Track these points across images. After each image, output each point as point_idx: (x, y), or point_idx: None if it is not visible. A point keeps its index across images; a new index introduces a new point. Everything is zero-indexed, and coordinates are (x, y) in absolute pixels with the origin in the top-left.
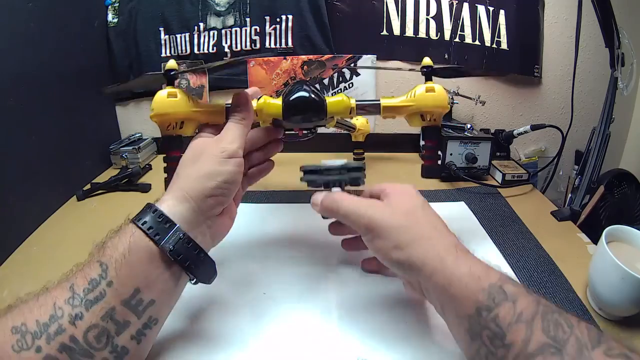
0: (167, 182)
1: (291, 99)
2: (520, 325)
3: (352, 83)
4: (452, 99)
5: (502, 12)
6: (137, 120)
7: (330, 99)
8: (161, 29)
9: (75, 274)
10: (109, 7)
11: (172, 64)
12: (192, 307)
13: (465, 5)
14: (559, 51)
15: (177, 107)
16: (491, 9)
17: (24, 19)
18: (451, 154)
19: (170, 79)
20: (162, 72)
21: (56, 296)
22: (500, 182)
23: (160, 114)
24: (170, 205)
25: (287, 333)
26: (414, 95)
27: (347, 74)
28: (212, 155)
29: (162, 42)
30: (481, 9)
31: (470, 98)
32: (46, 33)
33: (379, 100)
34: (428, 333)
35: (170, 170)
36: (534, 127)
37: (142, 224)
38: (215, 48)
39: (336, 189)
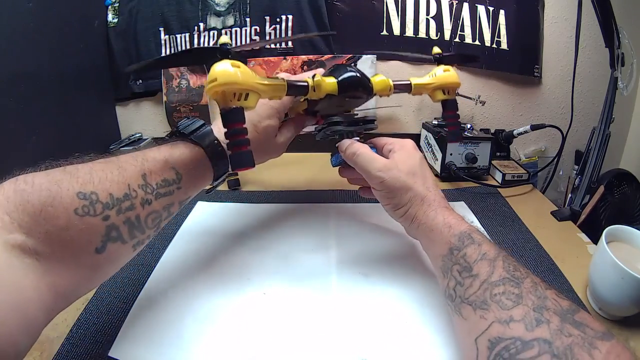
0: (232, 159)
1: (344, 77)
2: (484, 262)
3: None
4: None
5: (502, 12)
6: (137, 120)
7: (374, 79)
8: (161, 29)
9: (146, 164)
10: (109, 7)
11: (225, 38)
12: (192, 307)
13: (465, 5)
14: (559, 51)
15: (244, 77)
16: (491, 9)
17: (24, 19)
18: (451, 154)
19: (224, 53)
20: (216, 46)
21: (130, 178)
22: (500, 182)
23: (226, 82)
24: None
25: (288, 334)
26: (434, 75)
27: None
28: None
29: (162, 42)
30: (481, 9)
31: (470, 98)
32: (46, 33)
33: (409, 81)
34: (430, 334)
35: (234, 145)
36: (534, 127)
37: (211, 153)
38: None
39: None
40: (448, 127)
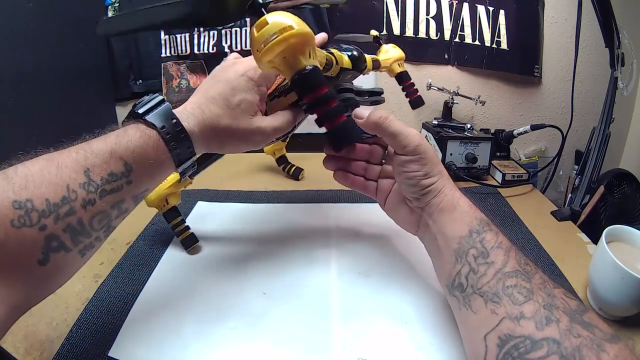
0: (334, 137)
1: (352, 53)
2: (500, 251)
3: (351, 82)
4: (452, 99)
5: (502, 12)
6: None
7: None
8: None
9: (89, 158)
10: (109, 7)
11: None
12: (191, 307)
13: (465, 5)
14: (559, 51)
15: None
16: (491, 9)
17: (24, 19)
18: (451, 154)
19: (257, 8)
20: None
21: (69, 177)
22: (500, 182)
23: (305, 32)
24: (189, 111)
25: (288, 333)
26: (388, 52)
27: None
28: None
29: (162, 42)
30: (481, 9)
31: (470, 98)
32: (46, 33)
33: (377, 58)
34: (429, 334)
35: (330, 116)
36: (534, 127)
37: (166, 134)
38: (215, 48)
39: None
40: (409, 96)
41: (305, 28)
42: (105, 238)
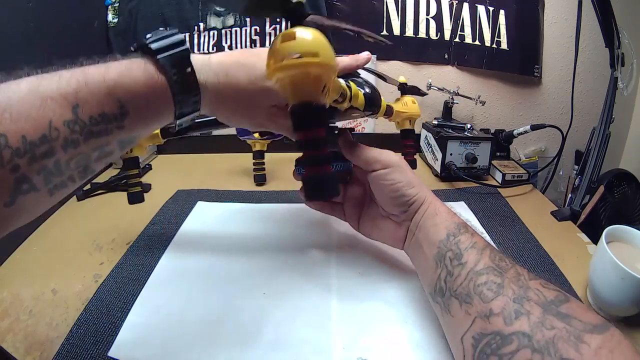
0: (309, 185)
1: (369, 92)
2: (474, 250)
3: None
4: (452, 98)
5: (502, 12)
6: None
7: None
8: (161, 29)
9: (81, 91)
10: (109, 7)
11: None
12: (191, 307)
13: (465, 5)
14: (559, 51)
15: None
16: (491, 9)
17: (24, 19)
18: (451, 154)
19: (299, 14)
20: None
21: (54, 111)
22: (500, 182)
23: (330, 64)
24: (207, 63)
25: (287, 333)
26: (406, 104)
27: None
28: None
29: None
30: (481, 9)
31: (470, 98)
32: (46, 33)
33: (392, 106)
34: (429, 334)
35: (314, 162)
36: (534, 127)
37: (176, 85)
38: (215, 48)
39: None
40: (406, 156)
41: (331, 60)
42: (80, 180)
